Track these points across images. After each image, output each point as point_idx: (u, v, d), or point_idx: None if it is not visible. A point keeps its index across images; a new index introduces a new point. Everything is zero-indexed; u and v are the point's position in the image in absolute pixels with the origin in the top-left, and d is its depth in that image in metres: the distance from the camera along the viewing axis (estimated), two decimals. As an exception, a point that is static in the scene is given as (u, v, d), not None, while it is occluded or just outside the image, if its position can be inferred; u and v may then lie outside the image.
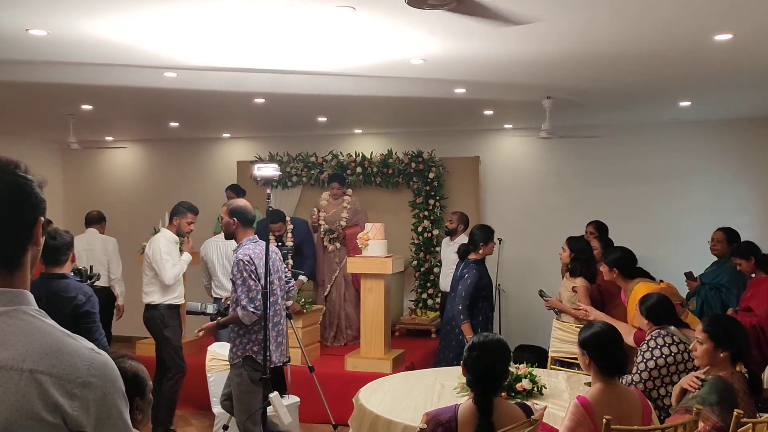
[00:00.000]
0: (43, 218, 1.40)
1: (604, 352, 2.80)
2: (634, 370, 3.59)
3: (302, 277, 6.73)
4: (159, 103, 6.25)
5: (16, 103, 6.31)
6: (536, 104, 6.02)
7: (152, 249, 5.37)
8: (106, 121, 7.53)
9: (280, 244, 6.32)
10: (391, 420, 3.25)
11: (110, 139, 9.12)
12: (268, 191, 4.06)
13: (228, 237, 4.16)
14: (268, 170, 4.06)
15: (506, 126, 7.88)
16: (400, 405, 3.50)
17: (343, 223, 6.81)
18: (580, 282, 5.02)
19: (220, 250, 6.09)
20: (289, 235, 6.80)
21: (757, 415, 3.06)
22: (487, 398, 2.46)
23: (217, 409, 4.69)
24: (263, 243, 3.99)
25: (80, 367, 1.31)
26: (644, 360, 3.55)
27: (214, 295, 5.99)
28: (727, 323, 3.14)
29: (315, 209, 7.02)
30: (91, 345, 1.37)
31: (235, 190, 7.56)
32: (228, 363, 4.86)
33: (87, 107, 6.44)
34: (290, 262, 6.48)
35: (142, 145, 9.27)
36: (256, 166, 4.12)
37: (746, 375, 3.01)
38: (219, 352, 4.95)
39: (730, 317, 3.25)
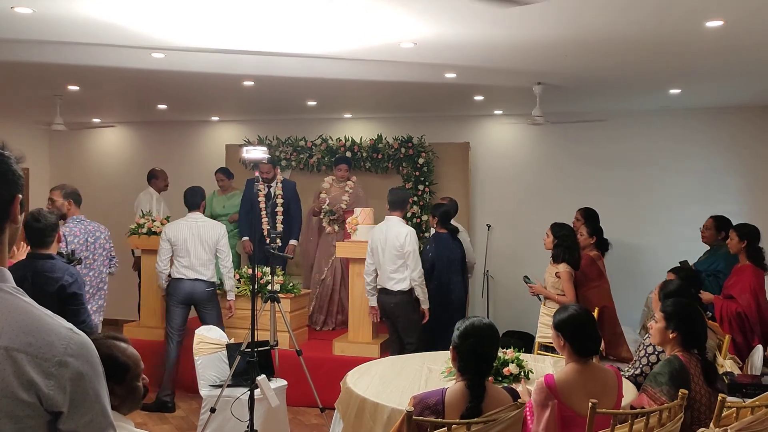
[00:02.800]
0: (20, 195, 1.38)
1: (579, 334, 2.83)
2: (636, 361, 3.67)
3: (293, 241, 6.77)
4: (147, 84, 6.18)
5: (1, 83, 6.22)
6: (526, 90, 6.01)
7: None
8: (94, 102, 7.45)
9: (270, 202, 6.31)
10: (378, 403, 3.25)
11: (97, 121, 9.02)
12: (257, 174, 4.04)
13: (61, 217, 4.70)
14: (257, 153, 4.04)
15: (496, 112, 7.87)
16: (388, 389, 3.50)
17: (344, 206, 6.79)
18: (563, 268, 5.06)
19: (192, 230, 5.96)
20: (279, 185, 6.88)
21: (743, 400, 3.11)
22: (479, 383, 2.46)
23: (204, 391, 4.68)
24: (88, 222, 5.00)
25: (57, 346, 1.30)
26: (646, 354, 3.61)
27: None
28: (682, 307, 3.22)
29: (320, 193, 6.97)
30: (69, 325, 1.36)
31: (225, 173, 7.54)
32: (216, 346, 4.88)
33: (74, 88, 6.36)
34: (280, 226, 6.53)
35: (130, 127, 9.19)
36: (245, 148, 4.10)
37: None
38: (207, 335, 4.94)
39: (689, 302, 3.33)
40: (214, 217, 7.45)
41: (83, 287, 3.78)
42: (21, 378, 1.26)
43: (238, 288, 6.03)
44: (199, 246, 5.62)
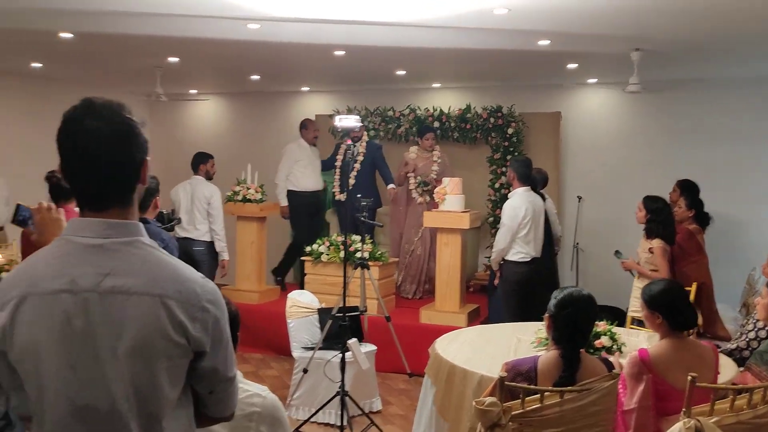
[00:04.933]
0: (148, 158, 1.48)
1: (673, 308, 2.75)
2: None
3: (391, 185, 6.94)
4: (241, 55, 6.35)
5: (106, 55, 6.53)
6: (624, 57, 5.78)
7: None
8: (191, 73, 7.72)
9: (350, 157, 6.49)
10: (467, 369, 3.29)
11: (194, 91, 9.36)
12: (348, 142, 4.11)
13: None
14: (349, 121, 4.10)
15: (590, 80, 7.62)
16: (477, 356, 3.53)
17: (434, 176, 6.82)
18: (657, 243, 4.87)
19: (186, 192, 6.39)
20: (364, 144, 7.05)
21: None
22: (574, 353, 2.45)
23: (297, 353, 4.86)
24: None
25: (199, 293, 1.44)
26: (755, 329, 3.49)
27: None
28: None
29: (405, 163, 7.02)
30: (200, 274, 1.49)
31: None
32: (308, 310, 5.04)
33: (173, 59, 6.61)
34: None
35: (224, 97, 9.48)
36: (338, 117, 4.17)
37: None
38: (299, 299, 5.11)
39: None
40: None
41: (174, 252, 3.93)
42: (173, 322, 1.39)
43: (327, 255, 6.18)
44: (190, 206, 6.21)
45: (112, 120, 1.43)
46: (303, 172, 7.16)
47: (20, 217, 2.19)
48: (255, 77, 7.80)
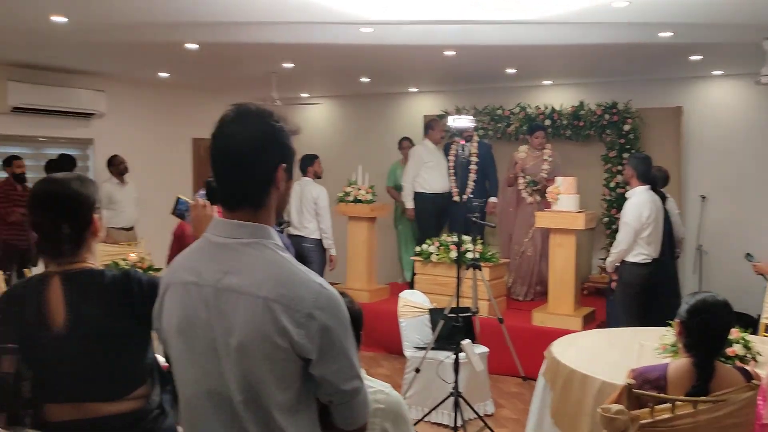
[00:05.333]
0: (285, 165, 1.50)
1: None
2: None
3: (493, 199, 6.87)
4: (353, 58, 6.48)
5: (226, 62, 6.85)
6: (753, 46, 5.42)
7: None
8: (304, 78, 7.95)
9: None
10: (587, 375, 3.19)
11: (305, 95, 9.64)
12: (462, 143, 4.09)
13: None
14: (463, 122, 4.08)
15: (715, 72, 7.20)
16: (597, 361, 3.41)
17: (545, 175, 6.68)
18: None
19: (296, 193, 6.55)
20: (475, 144, 6.97)
21: None
22: (708, 361, 2.33)
23: (408, 352, 4.89)
24: None
25: (307, 299, 1.42)
26: None
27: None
28: None
29: (515, 162, 6.91)
30: (320, 280, 1.47)
31: (412, 141, 7.84)
32: (420, 310, 5.06)
33: (288, 65, 6.84)
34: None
35: (334, 100, 9.71)
36: (452, 117, 4.17)
37: None
38: (410, 299, 5.14)
39: None
40: (397, 188, 7.73)
41: (291, 251, 4.07)
42: (276, 325, 1.40)
43: (437, 255, 6.18)
44: (299, 206, 6.42)
45: (252, 126, 1.48)
46: (431, 174, 7.04)
47: (179, 210, 2.33)
48: (365, 79, 7.93)
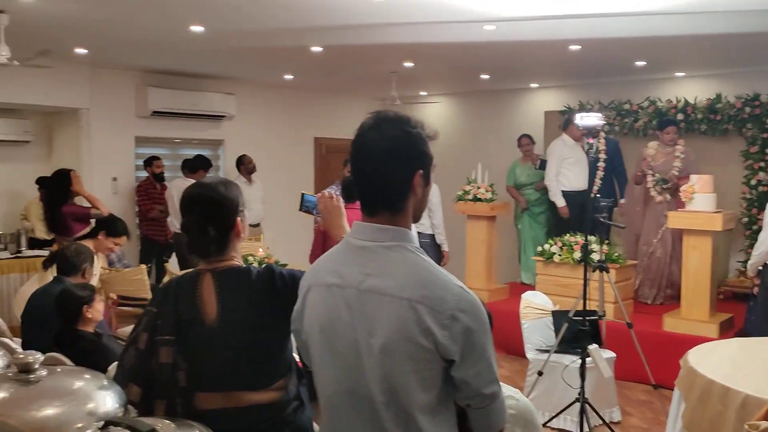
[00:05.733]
0: (422, 171, 1.52)
1: None
2: None
3: (621, 200, 6.62)
4: (474, 56, 6.43)
5: (348, 64, 7.01)
6: None
7: None
8: (423, 76, 7.99)
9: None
10: (729, 387, 3.00)
11: (424, 93, 9.68)
12: (590, 141, 3.96)
13: None
14: (591, 119, 3.95)
15: None
16: (739, 373, 3.21)
17: (676, 173, 6.35)
18: None
19: None
20: (602, 140, 6.77)
21: None
22: None
23: (531, 354, 4.81)
24: None
25: (449, 301, 1.43)
26: None
27: None
28: None
29: (643, 159, 6.60)
30: (461, 283, 1.48)
31: (531, 138, 7.66)
32: (542, 312, 4.96)
33: (408, 64, 6.90)
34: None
35: (452, 98, 9.69)
36: (579, 115, 4.04)
37: None
38: (532, 300, 5.05)
39: None
40: (517, 187, 7.56)
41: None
42: (421, 326, 1.43)
43: (560, 255, 6.03)
44: None
45: (389, 133, 1.52)
46: (572, 170, 6.85)
47: (305, 206, 2.41)
48: (485, 76, 7.86)
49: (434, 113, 9.84)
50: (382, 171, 1.51)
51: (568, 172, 6.86)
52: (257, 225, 7.88)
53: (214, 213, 1.96)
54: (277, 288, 1.95)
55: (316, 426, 2.11)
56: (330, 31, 5.31)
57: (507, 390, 2.15)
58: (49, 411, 1.22)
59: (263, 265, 2.07)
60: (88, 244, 4.58)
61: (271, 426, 1.92)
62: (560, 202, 6.92)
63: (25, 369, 1.26)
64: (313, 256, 4.70)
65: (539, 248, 6.28)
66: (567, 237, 6.19)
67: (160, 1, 4.44)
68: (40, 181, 6.85)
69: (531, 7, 4.53)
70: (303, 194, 2.48)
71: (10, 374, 1.27)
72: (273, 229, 8.00)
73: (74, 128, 7.32)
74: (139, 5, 4.54)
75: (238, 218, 2.01)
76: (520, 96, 9.00)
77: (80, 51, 6.18)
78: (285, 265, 5.37)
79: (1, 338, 1.85)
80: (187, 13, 4.76)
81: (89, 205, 5.79)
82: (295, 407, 1.98)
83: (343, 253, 1.58)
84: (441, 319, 1.42)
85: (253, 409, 1.91)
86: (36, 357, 1.27)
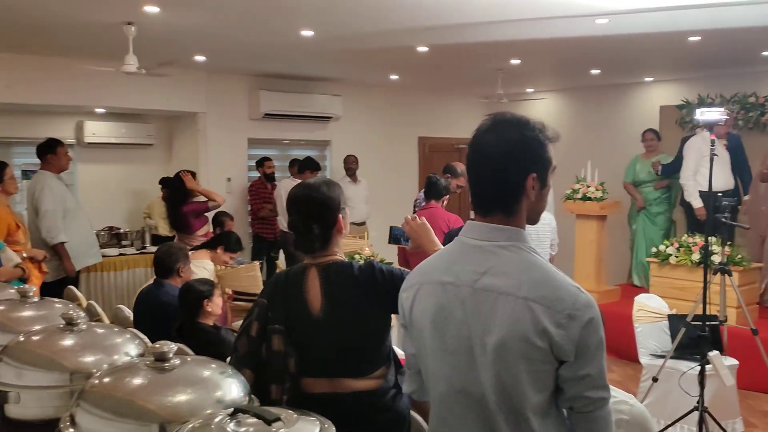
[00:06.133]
0: (536, 174, 1.50)
1: None
2: None
3: (746, 198, 6.25)
4: (584, 51, 6.25)
5: (454, 63, 6.99)
6: None
7: None
8: (530, 73, 7.85)
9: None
10: None
11: (530, 90, 9.51)
12: (712, 137, 3.75)
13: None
14: (713, 114, 3.74)
15: None
16: None
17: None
18: None
19: None
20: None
21: None
22: None
23: (644, 360, 4.63)
24: None
25: (566, 301, 1.42)
26: None
27: None
28: None
29: None
30: (576, 284, 1.46)
31: (656, 134, 7.19)
32: (657, 316, 4.76)
33: (515, 62, 6.80)
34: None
35: (560, 94, 9.46)
36: (699, 110, 3.84)
37: None
38: (647, 303, 4.86)
39: None
40: (636, 184, 7.20)
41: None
42: (536, 326, 1.41)
43: (676, 257, 5.75)
44: None
45: (504, 136, 1.52)
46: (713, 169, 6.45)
47: (394, 237, 2.51)
48: (595, 71, 7.62)
49: (541, 110, 9.63)
50: (497, 173, 1.52)
51: (707, 171, 6.40)
52: (362, 224, 8.01)
53: (317, 212, 2.07)
54: (378, 282, 2.04)
55: (416, 416, 2.17)
56: (436, 31, 5.32)
57: (620, 395, 2.09)
58: (182, 397, 1.30)
59: (365, 261, 2.15)
60: (204, 255, 4.79)
61: (372, 412, 2.02)
62: (697, 203, 6.39)
63: (161, 358, 1.35)
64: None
65: (654, 249, 6.01)
66: (685, 238, 5.90)
67: (273, 9, 4.61)
68: (163, 182, 7.28)
69: (646, -2, 4.36)
70: (391, 227, 2.56)
71: (147, 362, 1.37)
72: (377, 228, 8.11)
73: (192, 131, 7.73)
74: (255, 14, 4.73)
75: (340, 215, 2.11)
76: (633, 90, 8.65)
77: (199, 58, 6.51)
78: (390, 263, 5.45)
79: (133, 329, 1.99)
80: (298, 19, 4.91)
81: (205, 200, 6.06)
82: (393, 395, 2.07)
83: (456, 252, 1.58)
84: (558, 319, 1.41)
85: (355, 396, 2.02)
86: (170, 347, 1.37)
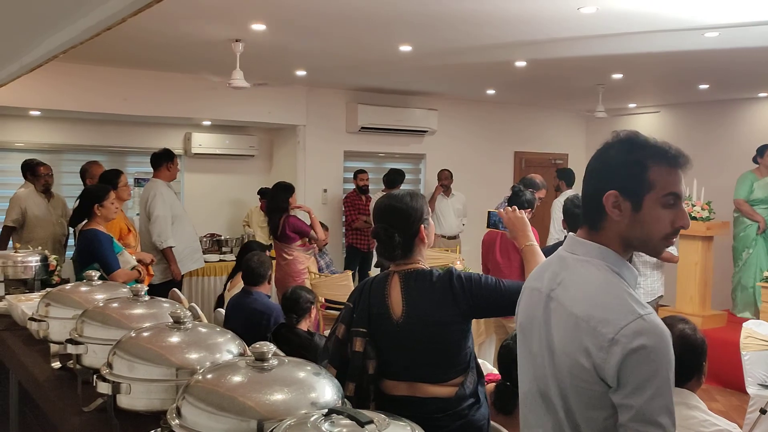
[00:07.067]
0: (616, 191, 1.46)
1: None
2: None
3: None
4: (691, 66, 6.01)
5: (552, 78, 6.88)
6: None
7: None
8: (633, 88, 7.61)
9: None
10: None
11: (633, 105, 9.21)
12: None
13: None
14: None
15: None
16: None
17: None
18: None
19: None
20: None
21: None
22: None
23: (752, 390, 4.37)
24: None
25: (612, 324, 1.36)
26: None
27: None
28: None
29: None
30: (644, 310, 1.37)
31: None
32: (766, 343, 4.49)
33: (617, 76, 6.62)
34: None
35: (665, 110, 9.10)
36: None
37: None
38: (755, 330, 4.58)
39: None
40: (752, 202, 6.77)
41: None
42: (581, 344, 1.41)
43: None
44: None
45: (610, 152, 1.51)
46: None
47: (492, 222, 2.55)
48: (703, 86, 7.30)
49: (644, 126, 9.31)
50: (587, 189, 1.55)
51: None
52: (454, 237, 7.99)
53: (399, 221, 2.15)
54: (455, 289, 2.09)
55: (500, 428, 2.18)
56: (535, 45, 5.27)
57: (722, 423, 2.03)
58: (280, 396, 1.35)
59: (445, 269, 2.20)
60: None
61: (445, 418, 2.06)
62: None
63: (261, 357, 1.41)
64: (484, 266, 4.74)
65: (766, 273, 5.67)
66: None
67: (373, 26, 4.71)
68: (261, 192, 7.55)
69: (760, 11, 4.14)
70: (489, 212, 2.62)
71: (247, 361, 1.43)
72: (470, 243, 8.06)
73: (292, 143, 7.98)
74: (355, 30, 4.85)
75: (422, 226, 2.18)
76: (746, 106, 8.21)
77: (300, 73, 6.73)
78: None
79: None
80: (397, 35, 4.99)
81: (309, 224, 6.06)
82: (470, 404, 2.09)
83: (551, 261, 1.63)
84: (600, 342, 1.37)
85: (431, 401, 2.07)
86: (270, 347, 1.42)
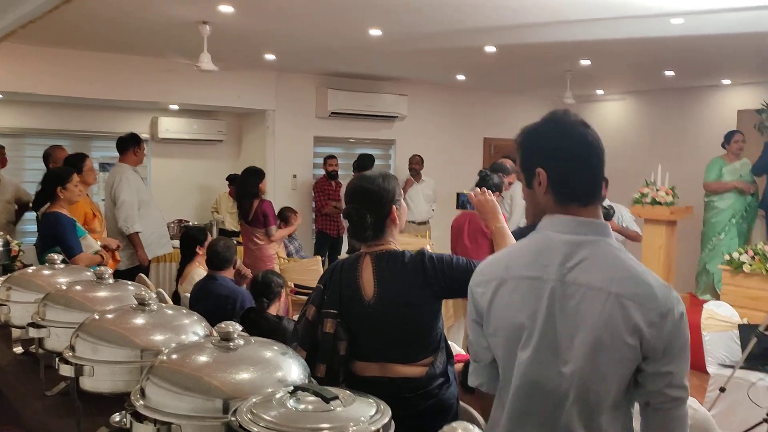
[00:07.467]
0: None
1: None
2: None
3: None
4: (658, 52, 6.09)
5: (521, 63, 6.92)
6: None
7: None
8: (600, 74, 7.68)
9: None
10: None
11: (600, 92, 9.31)
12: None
13: None
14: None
15: None
16: None
17: None
18: None
19: None
20: None
21: None
22: None
23: (712, 369, 4.49)
24: None
25: (659, 298, 1.41)
26: None
27: None
28: None
29: None
30: (664, 282, 1.45)
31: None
32: (727, 324, 4.60)
33: (585, 62, 6.67)
34: None
35: (631, 96, 9.22)
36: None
37: None
38: (716, 311, 4.70)
39: None
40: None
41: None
42: (628, 322, 1.41)
43: (750, 265, 5.53)
44: None
45: (595, 132, 1.58)
46: None
47: (461, 202, 2.58)
48: (669, 73, 7.40)
49: (611, 112, 9.43)
50: (599, 165, 1.58)
51: None
52: (423, 223, 8.01)
53: (371, 202, 2.14)
54: (427, 270, 2.09)
55: (467, 407, 2.21)
56: (505, 31, 5.29)
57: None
58: (245, 375, 1.34)
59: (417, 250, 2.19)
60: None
61: (416, 397, 2.07)
62: None
63: (226, 337, 1.40)
64: (453, 250, 4.70)
65: (726, 257, 5.80)
66: (760, 246, 5.67)
67: (343, 9, 4.68)
68: (230, 178, 7.47)
69: (726, -3, 4.22)
70: (458, 193, 2.65)
71: (213, 341, 1.42)
72: (440, 228, 8.10)
73: (261, 128, 7.91)
74: (324, 14, 4.82)
75: (394, 207, 2.17)
76: (709, 93, 8.35)
77: (269, 57, 6.66)
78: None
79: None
80: (367, 18, 4.97)
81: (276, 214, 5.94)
82: (440, 383, 2.11)
83: (542, 246, 1.54)
84: (651, 317, 1.40)
85: (402, 381, 2.08)
86: (235, 327, 1.42)
